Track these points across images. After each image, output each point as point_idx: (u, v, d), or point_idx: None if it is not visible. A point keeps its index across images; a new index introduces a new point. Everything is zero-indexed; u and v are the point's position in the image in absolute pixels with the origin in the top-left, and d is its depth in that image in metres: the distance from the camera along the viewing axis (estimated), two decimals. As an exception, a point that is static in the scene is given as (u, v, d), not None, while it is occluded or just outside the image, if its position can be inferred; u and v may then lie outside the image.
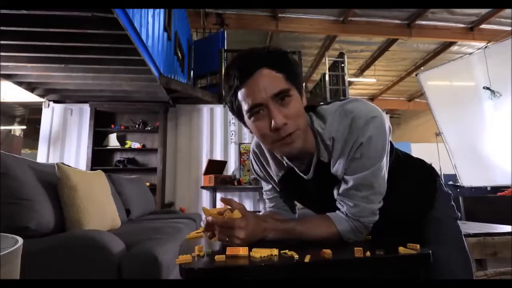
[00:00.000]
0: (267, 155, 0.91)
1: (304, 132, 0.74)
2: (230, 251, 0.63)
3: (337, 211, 0.80)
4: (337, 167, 0.77)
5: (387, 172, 0.79)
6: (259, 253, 0.63)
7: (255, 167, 0.99)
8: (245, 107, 0.72)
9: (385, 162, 0.76)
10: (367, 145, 0.71)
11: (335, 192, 0.80)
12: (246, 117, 0.74)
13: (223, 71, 5.20)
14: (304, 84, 0.77)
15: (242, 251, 0.64)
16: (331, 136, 0.75)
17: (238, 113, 0.76)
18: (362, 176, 0.73)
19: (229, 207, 0.75)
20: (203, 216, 0.77)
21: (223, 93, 0.77)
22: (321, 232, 0.76)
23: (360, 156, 0.73)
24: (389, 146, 0.79)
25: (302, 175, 0.84)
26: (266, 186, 1.01)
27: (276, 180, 0.92)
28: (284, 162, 0.86)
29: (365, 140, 0.71)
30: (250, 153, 0.98)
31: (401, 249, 0.66)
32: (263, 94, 0.69)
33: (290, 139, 0.72)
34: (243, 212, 0.74)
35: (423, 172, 0.95)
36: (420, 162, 0.97)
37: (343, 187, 0.77)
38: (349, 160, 0.74)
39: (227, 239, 0.70)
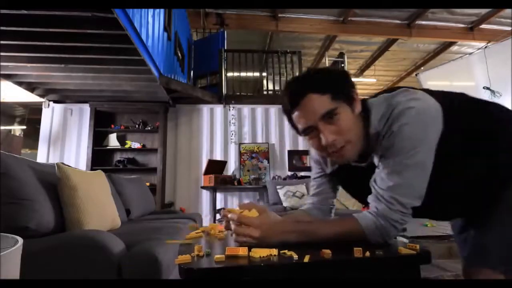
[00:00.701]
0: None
1: (357, 143, 0.77)
2: (229, 251, 0.64)
3: (364, 212, 0.78)
4: (378, 153, 0.78)
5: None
6: (259, 253, 0.63)
7: (315, 155, 1.01)
8: (299, 127, 0.79)
9: (422, 157, 0.72)
10: (398, 134, 0.71)
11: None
12: (302, 135, 0.81)
13: (223, 71, 5.23)
14: (355, 92, 0.80)
15: (242, 251, 0.64)
16: (376, 130, 0.77)
17: (296, 130, 0.83)
18: (392, 163, 0.72)
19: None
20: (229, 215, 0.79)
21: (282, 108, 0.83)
22: (343, 229, 0.75)
23: (391, 145, 0.73)
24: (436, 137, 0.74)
25: (357, 164, 0.85)
26: (315, 174, 1.02)
27: (329, 171, 0.95)
28: None
29: (396, 129, 0.72)
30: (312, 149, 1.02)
31: (401, 249, 0.66)
32: (311, 118, 0.75)
33: (341, 153, 0.77)
34: (261, 212, 0.75)
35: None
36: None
37: (376, 172, 0.77)
38: (382, 148, 0.75)
39: (244, 239, 0.72)
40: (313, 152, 1.00)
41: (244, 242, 0.71)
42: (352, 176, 0.89)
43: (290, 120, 0.81)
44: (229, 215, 0.76)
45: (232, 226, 0.75)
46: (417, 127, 0.71)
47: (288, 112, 0.80)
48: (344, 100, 0.76)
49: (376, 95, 0.84)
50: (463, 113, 0.79)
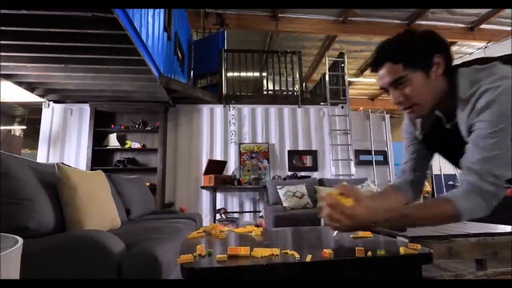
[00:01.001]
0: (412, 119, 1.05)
1: (424, 105, 0.87)
2: (231, 251, 0.63)
3: (454, 190, 0.79)
4: (463, 126, 0.84)
5: None
6: (260, 252, 0.63)
7: (409, 127, 1.08)
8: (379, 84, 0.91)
9: (509, 133, 0.75)
10: (484, 111, 0.77)
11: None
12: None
13: (223, 71, 5.23)
14: (438, 56, 0.87)
15: (244, 250, 0.64)
16: (461, 98, 0.83)
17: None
18: (480, 138, 0.77)
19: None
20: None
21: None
22: (437, 211, 0.76)
23: (478, 121, 0.78)
24: None
25: (444, 122, 0.94)
26: (407, 144, 1.09)
27: (420, 137, 1.03)
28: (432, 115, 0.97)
29: (482, 105, 0.77)
30: (405, 120, 1.11)
31: (402, 249, 0.66)
32: (384, 82, 0.89)
33: (411, 110, 0.89)
34: (357, 200, 0.78)
35: None
36: None
37: (466, 148, 0.81)
38: (469, 122, 0.81)
39: (335, 224, 0.74)
40: (405, 124, 1.10)
41: (334, 227, 0.76)
42: (443, 138, 0.96)
43: None
44: (324, 194, 0.80)
45: (326, 210, 0.77)
46: (502, 105, 0.75)
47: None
48: (417, 67, 0.85)
49: (467, 63, 0.90)
50: None
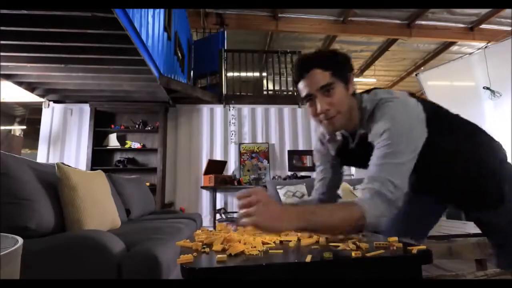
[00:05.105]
0: (325, 139, 1.13)
1: (345, 114, 0.93)
2: (230, 246, 0.63)
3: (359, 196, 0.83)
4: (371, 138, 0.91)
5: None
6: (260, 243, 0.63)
7: (319, 147, 1.16)
8: (302, 95, 0.96)
9: (411, 149, 0.83)
10: (384, 122, 0.86)
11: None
12: (304, 101, 0.98)
13: (223, 71, 5.23)
14: (352, 75, 0.98)
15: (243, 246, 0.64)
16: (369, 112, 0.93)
17: (300, 97, 0.97)
18: (384, 146, 0.83)
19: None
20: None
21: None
22: (344, 213, 0.76)
23: (381, 132, 0.86)
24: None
25: (350, 141, 1.03)
26: (318, 162, 1.18)
27: (333, 154, 1.12)
28: (337, 136, 1.07)
29: (381, 117, 0.88)
30: (316, 140, 1.19)
31: (402, 249, 0.66)
32: (312, 88, 0.91)
33: (332, 121, 0.93)
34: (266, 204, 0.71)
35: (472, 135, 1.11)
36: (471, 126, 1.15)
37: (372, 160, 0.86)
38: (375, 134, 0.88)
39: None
40: (316, 143, 1.18)
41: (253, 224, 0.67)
42: (350, 156, 1.06)
43: (296, 89, 0.99)
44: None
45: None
46: (399, 118, 0.87)
47: (295, 82, 0.98)
48: (341, 78, 0.92)
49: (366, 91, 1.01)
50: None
